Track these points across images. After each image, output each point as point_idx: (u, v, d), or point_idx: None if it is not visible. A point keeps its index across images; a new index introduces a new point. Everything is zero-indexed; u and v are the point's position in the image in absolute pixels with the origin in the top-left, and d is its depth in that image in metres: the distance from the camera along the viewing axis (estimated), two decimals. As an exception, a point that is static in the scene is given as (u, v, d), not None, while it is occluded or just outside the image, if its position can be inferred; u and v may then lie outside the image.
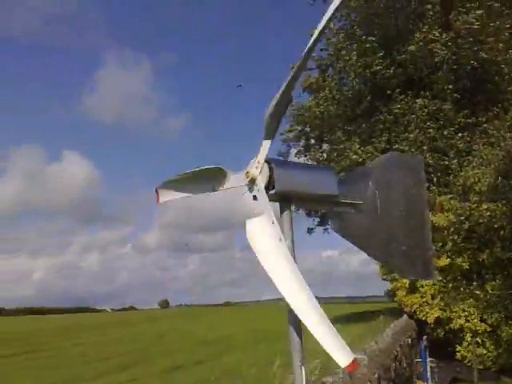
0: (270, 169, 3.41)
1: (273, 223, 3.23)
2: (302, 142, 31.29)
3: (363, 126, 26.45)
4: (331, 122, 27.71)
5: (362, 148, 25.10)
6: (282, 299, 3.05)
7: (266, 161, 3.41)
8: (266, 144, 3.40)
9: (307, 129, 30.14)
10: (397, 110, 25.08)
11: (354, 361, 2.80)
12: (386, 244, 3.97)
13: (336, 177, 3.78)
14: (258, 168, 3.41)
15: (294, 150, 31.21)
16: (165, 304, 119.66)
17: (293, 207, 3.66)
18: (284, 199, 3.51)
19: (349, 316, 27.63)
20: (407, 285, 19.33)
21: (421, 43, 24.23)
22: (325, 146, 29.82)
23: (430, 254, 4.13)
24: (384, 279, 23.63)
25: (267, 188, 3.39)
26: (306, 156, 30.05)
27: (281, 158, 3.79)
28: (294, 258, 3.32)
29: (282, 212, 3.48)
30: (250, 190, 3.45)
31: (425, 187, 4.31)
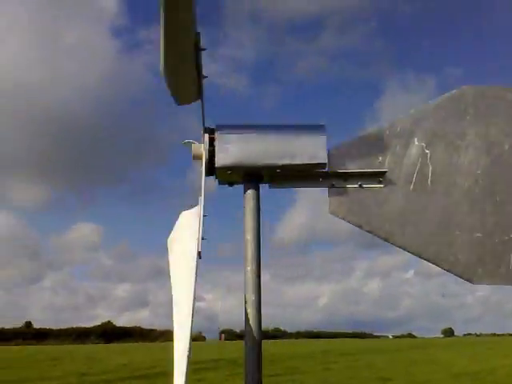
0: (211, 138, 2.49)
1: (199, 220, 2.25)
2: None
3: None
4: None
5: None
6: None
7: (209, 129, 2.52)
8: (202, 107, 2.44)
9: None
10: None
11: None
12: (440, 232, 2.52)
13: (324, 138, 2.49)
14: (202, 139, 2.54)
15: None
16: (448, 332, 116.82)
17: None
18: (249, 177, 2.51)
19: None
20: None
21: None
22: None
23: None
24: None
25: (211, 165, 2.49)
26: None
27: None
28: (259, 261, 2.42)
29: (245, 196, 2.52)
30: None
31: None
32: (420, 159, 2.62)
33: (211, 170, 2.50)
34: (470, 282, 2.51)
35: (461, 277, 2.51)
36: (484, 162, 2.61)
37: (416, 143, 2.63)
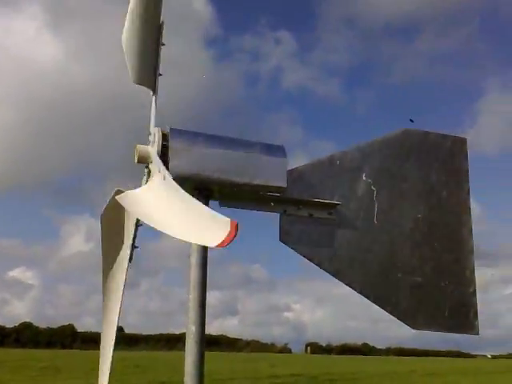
0: (165, 139, 2.27)
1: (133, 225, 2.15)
2: None
3: None
4: None
5: None
6: None
7: (162, 132, 2.31)
8: (153, 101, 2.31)
9: None
10: None
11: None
12: (384, 273, 2.43)
13: (285, 161, 2.37)
14: (150, 141, 2.31)
15: None
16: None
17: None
18: (200, 190, 2.29)
19: None
20: None
21: None
22: None
23: (470, 290, 2.44)
24: None
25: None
26: None
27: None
28: (204, 288, 2.19)
29: None
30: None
31: (467, 187, 2.64)
32: (367, 195, 2.57)
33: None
34: (411, 327, 2.48)
35: (403, 321, 2.46)
36: (424, 206, 2.61)
37: (364, 178, 2.57)
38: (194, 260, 2.29)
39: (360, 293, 2.46)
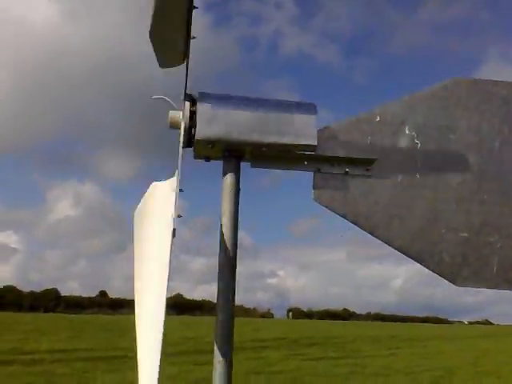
0: (193, 105, 2.26)
1: (175, 195, 1.96)
2: None
3: None
4: None
5: None
6: None
7: (190, 96, 2.28)
8: (187, 70, 2.19)
9: None
10: None
11: None
12: (426, 229, 2.37)
13: (314, 118, 2.29)
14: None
15: None
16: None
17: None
18: (230, 153, 2.30)
19: None
20: None
21: None
22: None
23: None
24: None
25: (189, 136, 2.26)
26: None
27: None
28: (235, 247, 2.22)
29: (224, 174, 2.31)
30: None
31: None
32: (410, 149, 2.47)
33: (190, 141, 2.31)
34: (454, 283, 2.39)
35: (445, 278, 2.39)
36: (474, 158, 2.48)
37: (407, 132, 2.48)
38: (225, 220, 2.28)
39: (398, 249, 2.38)
